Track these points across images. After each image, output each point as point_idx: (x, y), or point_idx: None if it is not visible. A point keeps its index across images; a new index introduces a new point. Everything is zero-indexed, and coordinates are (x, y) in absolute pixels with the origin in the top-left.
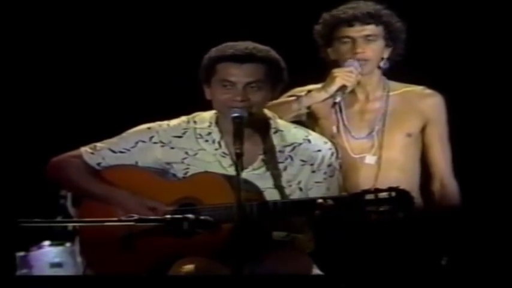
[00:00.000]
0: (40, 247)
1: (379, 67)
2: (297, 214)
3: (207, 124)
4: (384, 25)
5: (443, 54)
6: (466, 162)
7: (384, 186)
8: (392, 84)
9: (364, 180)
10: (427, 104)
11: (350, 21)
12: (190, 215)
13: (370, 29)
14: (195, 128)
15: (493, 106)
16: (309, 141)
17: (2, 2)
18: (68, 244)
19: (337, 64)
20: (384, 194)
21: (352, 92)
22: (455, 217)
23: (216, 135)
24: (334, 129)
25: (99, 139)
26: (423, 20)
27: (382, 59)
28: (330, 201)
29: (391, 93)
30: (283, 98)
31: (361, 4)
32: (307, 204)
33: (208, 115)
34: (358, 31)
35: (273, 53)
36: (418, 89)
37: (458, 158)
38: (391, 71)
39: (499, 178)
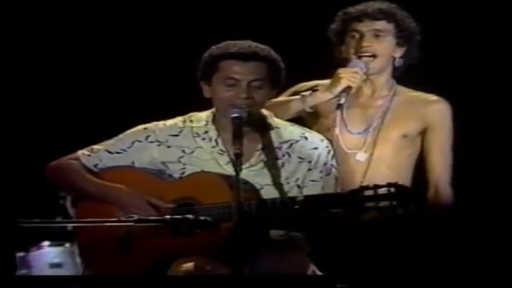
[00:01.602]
0: (40, 247)
1: (393, 66)
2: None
3: (203, 123)
4: (395, 23)
5: (456, 62)
6: (468, 170)
7: (372, 184)
8: (400, 88)
9: (354, 176)
10: (431, 110)
11: (359, 17)
12: (189, 215)
13: (380, 24)
14: (192, 127)
15: (499, 113)
16: (306, 138)
17: (1, 2)
18: (67, 244)
19: (347, 63)
20: (383, 190)
21: (358, 88)
22: (446, 223)
23: (213, 133)
24: (336, 129)
25: (97, 139)
26: (438, 26)
27: (395, 58)
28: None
29: (396, 95)
30: (287, 94)
31: (375, 2)
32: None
33: (204, 114)
34: (366, 26)
35: (274, 53)
36: (425, 94)
37: (463, 166)
38: (404, 76)
39: (499, 185)
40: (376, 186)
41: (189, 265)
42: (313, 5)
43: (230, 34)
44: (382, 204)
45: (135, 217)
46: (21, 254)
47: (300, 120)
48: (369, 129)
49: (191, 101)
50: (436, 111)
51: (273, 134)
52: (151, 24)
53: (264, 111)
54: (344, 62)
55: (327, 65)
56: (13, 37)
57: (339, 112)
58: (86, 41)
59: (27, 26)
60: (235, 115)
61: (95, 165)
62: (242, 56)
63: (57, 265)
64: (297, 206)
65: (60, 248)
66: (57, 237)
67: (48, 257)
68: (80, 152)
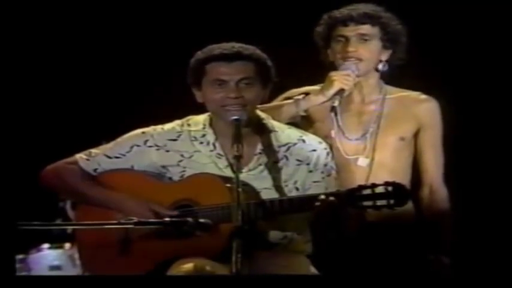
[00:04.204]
0: (39, 250)
1: (377, 70)
2: (295, 212)
3: (201, 126)
4: (380, 26)
5: (443, 60)
6: (460, 168)
7: (369, 183)
8: (389, 88)
9: (356, 181)
10: (422, 109)
11: (345, 21)
12: (189, 218)
13: (365, 28)
14: (190, 131)
15: (491, 111)
16: (304, 141)
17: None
18: (67, 247)
19: (335, 66)
20: (380, 189)
21: (349, 93)
22: (443, 222)
23: (211, 137)
24: (332, 133)
25: (96, 141)
26: (424, 25)
27: (381, 61)
28: (331, 198)
29: (387, 97)
30: (279, 101)
31: (360, 5)
32: (305, 201)
33: (202, 118)
34: (352, 30)
35: (259, 52)
36: (414, 94)
37: (452, 164)
38: (391, 75)
39: (493, 183)
40: (374, 185)
41: (189, 266)
42: (305, 8)
43: (226, 37)
44: (380, 203)
45: (135, 219)
46: (20, 256)
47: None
48: (366, 135)
49: (189, 103)
50: (427, 110)
51: (270, 138)
52: (150, 28)
53: (262, 114)
54: (331, 66)
55: (318, 69)
56: (13, 40)
57: (334, 118)
58: (84, 43)
59: (25, 31)
60: (235, 117)
61: (94, 170)
62: (227, 57)
63: (57, 267)
64: (296, 206)
65: (59, 251)
66: (57, 240)
67: (47, 259)
68: (78, 156)
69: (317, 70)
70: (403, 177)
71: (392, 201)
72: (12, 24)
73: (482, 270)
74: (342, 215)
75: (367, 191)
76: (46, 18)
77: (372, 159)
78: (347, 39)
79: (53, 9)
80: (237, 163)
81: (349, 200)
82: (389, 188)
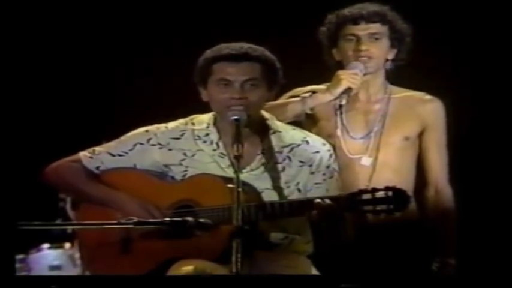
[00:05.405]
0: (39, 250)
1: (386, 69)
2: (295, 214)
3: (205, 125)
4: (389, 25)
5: (445, 60)
6: (464, 168)
7: (380, 187)
8: (394, 88)
9: (359, 180)
10: (426, 109)
11: (355, 20)
12: (189, 218)
13: (376, 27)
14: (193, 130)
15: (493, 111)
16: (307, 142)
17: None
18: (67, 247)
19: (341, 66)
20: (380, 193)
21: (355, 92)
22: (449, 222)
23: (214, 136)
24: (337, 131)
25: (98, 141)
26: (428, 24)
27: (387, 60)
28: (327, 201)
29: (392, 96)
30: (285, 99)
31: (367, 4)
32: (305, 205)
33: (207, 117)
34: (363, 29)
35: (268, 53)
36: (419, 94)
37: (456, 164)
38: (393, 75)
39: (497, 184)
40: (374, 190)
41: (189, 268)
42: (309, 8)
43: (231, 36)
44: (380, 207)
45: (135, 219)
46: (20, 256)
47: (299, 125)
48: (371, 134)
49: (194, 102)
50: (432, 111)
51: (274, 138)
52: (152, 26)
53: (266, 114)
54: (336, 65)
55: (322, 69)
56: (13, 39)
57: (339, 116)
58: (86, 42)
59: (27, 30)
60: (235, 117)
61: (97, 168)
62: (234, 57)
63: (57, 267)
64: (296, 209)
65: (59, 251)
66: (57, 240)
67: (47, 259)
68: (81, 154)
69: (319, 69)
70: (407, 177)
71: (392, 207)
72: (12, 24)
73: (488, 271)
74: (340, 219)
75: (367, 196)
76: (46, 17)
77: (375, 159)
78: (358, 38)
79: (53, 8)
80: (237, 163)
81: (350, 204)
82: (390, 193)
